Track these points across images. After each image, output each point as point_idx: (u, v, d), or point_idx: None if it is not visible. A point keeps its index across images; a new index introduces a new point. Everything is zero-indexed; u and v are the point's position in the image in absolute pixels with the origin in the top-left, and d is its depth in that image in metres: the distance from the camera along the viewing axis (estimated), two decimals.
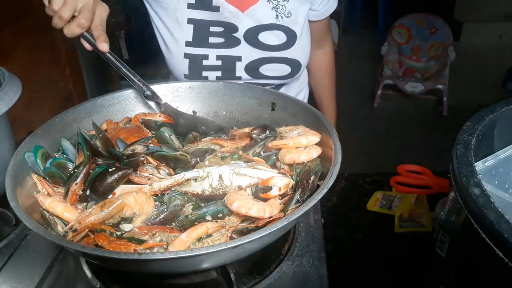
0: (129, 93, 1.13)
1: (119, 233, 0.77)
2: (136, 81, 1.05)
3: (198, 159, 0.95)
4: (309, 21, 1.37)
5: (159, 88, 1.12)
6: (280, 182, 0.83)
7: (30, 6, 2.31)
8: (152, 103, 1.11)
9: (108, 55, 0.98)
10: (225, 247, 0.63)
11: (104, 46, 0.95)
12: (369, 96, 4.49)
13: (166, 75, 1.47)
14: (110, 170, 0.85)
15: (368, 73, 4.80)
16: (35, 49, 2.32)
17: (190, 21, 1.24)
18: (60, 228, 0.79)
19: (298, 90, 1.51)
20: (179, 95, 1.16)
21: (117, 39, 3.52)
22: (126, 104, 1.13)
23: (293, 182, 0.86)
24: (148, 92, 1.08)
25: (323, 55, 1.56)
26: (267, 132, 1.01)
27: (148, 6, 1.30)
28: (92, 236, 0.74)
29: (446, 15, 4.77)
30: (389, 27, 4.47)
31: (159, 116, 1.10)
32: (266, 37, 1.27)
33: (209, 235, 0.76)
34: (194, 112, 1.16)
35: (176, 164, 0.93)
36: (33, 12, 2.32)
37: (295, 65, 1.31)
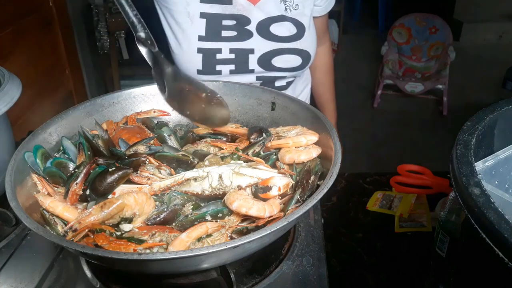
0: (129, 93, 1.13)
1: (119, 233, 0.77)
2: (131, 15, 0.86)
3: (198, 159, 0.95)
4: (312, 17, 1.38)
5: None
6: (280, 182, 0.83)
7: (31, 6, 2.31)
8: (143, 49, 0.90)
9: None
10: (225, 247, 0.63)
11: None
12: (369, 96, 4.49)
13: None
14: (110, 170, 0.85)
15: (368, 73, 4.80)
16: (35, 49, 2.33)
17: (202, 15, 1.25)
18: (60, 228, 0.79)
19: (304, 85, 1.53)
20: None
21: (117, 39, 3.52)
22: (126, 104, 1.13)
23: (293, 182, 0.86)
24: (142, 34, 0.88)
25: (323, 52, 1.57)
26: (264, 135, 1.01)
27: (158, 5, 1.31)
28: (92, 236, 0.74)
29: (446, 15, 4.77)
30: (389, 27, 4.47)
31: (154, 112, 1.10)
32: (277, 29, 1.29)
33: (209, 235, 0.76)
34: None
35: (178, 164, 0.94)
36: (33, 12, 2.32)
37: (305, 56, 1.33)
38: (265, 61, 1.30)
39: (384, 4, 6.00)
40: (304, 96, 1.53)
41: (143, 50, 0.90)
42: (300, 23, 1.30)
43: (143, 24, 0.88)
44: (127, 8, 0.86)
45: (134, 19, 0.87)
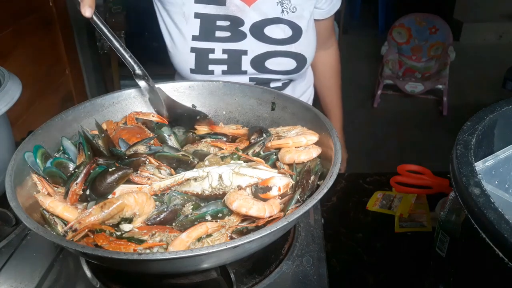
0: (129, 93, 1.13)
1: (119, 233, 0.77)
2: (127, 57, 1.00)
3: (198, 159, 0.95)
4: (315, 20, 1.38)
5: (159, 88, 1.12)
6: (280, 182, 0.83)
7: (30, 6, 2.31)
8: (142, 84, 1.06)
9: (98, 22, 0.93)
10: (225, 247, 0.63)
11: (86, 11, 0.89)
12: (369, 96, 4.49)
13: (167, 74, 1.47)
14: (110, 170, 0.85)
15: (368, 73, 4.80)
16: (35, 49, 2.33)
17: (197, 15, 1.25)
18: (60, 228, 0.79)
19: (304, 88, 1.51)
20: (179, 95, 1.16)
21: None
22: (126, 104, 1.13)
23: (293, 182, 0.86)
24: (139, 72, 1.02)
25: (328, 55, 1.56)
26: (264, 135, 1.01)
27: (156, 6, 1.31)
28: (92, 236, 0.74)
29: (446, 15, 4.78)
30: (389, 27, 4.48)
31: (152, 116, 1.10)
32: (272, 31, 1.28)
33: (209, 235, 0.76)
34: (193, 105, 1.16)
35: (178, 164, 0.94)
36: (33, 12, 2.32)
37: (300, 60, 1.32)
38: (258, 63, 1.30)
39: (384, 4, 6.01)
40: (305, 98, 1.52)
41: (141, 84, 1.06)
42: (297, 25, 1.29)
43: (137, 63, 1.02)
44: (122, 51, 0.99)
45: (130, 60, 1.01)
